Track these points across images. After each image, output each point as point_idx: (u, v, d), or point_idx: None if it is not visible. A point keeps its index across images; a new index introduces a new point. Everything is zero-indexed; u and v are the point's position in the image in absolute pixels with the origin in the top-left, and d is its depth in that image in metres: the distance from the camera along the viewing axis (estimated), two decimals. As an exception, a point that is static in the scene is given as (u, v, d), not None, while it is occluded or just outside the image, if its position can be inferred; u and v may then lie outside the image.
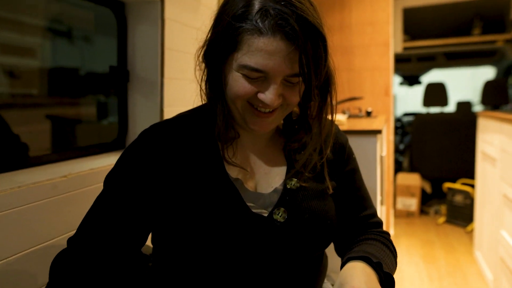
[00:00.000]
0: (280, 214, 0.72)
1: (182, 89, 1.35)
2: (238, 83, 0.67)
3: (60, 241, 0.89)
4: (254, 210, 0.71)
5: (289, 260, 0.72)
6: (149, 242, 0.78)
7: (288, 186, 0.75)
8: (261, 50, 0.63)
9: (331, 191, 0.78)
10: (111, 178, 0.72)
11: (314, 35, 0.64)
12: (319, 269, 0.80)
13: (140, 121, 1.29)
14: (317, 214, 0.75)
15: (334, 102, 0.75)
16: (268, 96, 0.66)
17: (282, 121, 0.82)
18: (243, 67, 0.65)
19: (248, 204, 0.72)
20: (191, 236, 0.68)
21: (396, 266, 0.80)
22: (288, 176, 0.77)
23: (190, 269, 0.71)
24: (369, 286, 0.64)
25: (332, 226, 0.77)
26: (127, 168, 0.71)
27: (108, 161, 1.10)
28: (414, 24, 3.91)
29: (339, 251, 0.87)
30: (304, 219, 0.73)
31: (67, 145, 1.93)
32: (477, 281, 2.40)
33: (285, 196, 0.74)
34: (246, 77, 0.66)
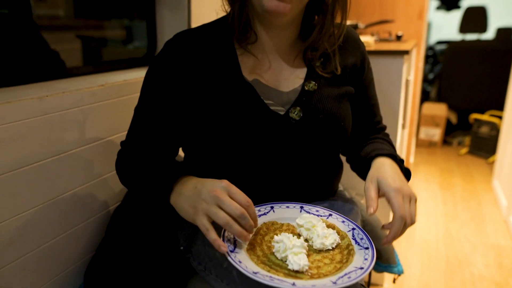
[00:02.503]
0: (296, 113, 0.78)
1: (209, 4, 1.35)
2: None
3: (105, 143, 0.99)
4: (272, 108, 0.77)
5: (304, 157, 0.79)
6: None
7: (306, 88, 0.80)
8: None
9: (339, 71, 0.82)
10: (144, 87, 0.81)
11: None
12: (334, 171, 0.88)
13: (168, 36, 1.31)
14: (331, 115, 0.80)
15: None
16: None
17: (301, 26, 0.84)
18: None
19: (267, 101, 0.77)
20: (214, 132, 0.76)
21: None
22: (307, 78, 0.81)
23: (215, 167, 0.79)
24: (400, 183, 0.73)
25: (345, 128, 0.83)
26: (155, 77, 0.79)
27: (139, 74, 1.16)
28: None
29: (347, 150, 0.96)
30: (319, 119, 0.79)
31: (97, 61, 1.99)
32: (490, 206, 2.48)
33: (302, 96, 0.79)
34: None
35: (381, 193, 0.74)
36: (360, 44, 0.89)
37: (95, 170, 0.99)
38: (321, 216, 0.75)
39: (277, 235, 0.68)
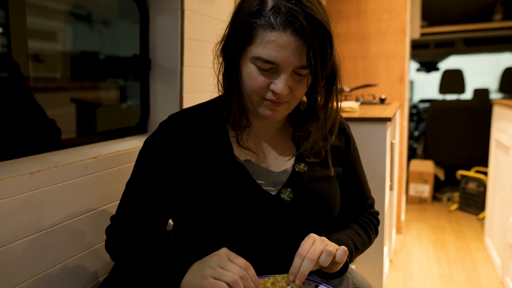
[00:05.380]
0: (287, 194, 0.80)
1: (201, 77, 1.42)
2: (252, 76, 0.74)
3: (95, 214, 0.99)
4: (264, 188, 0.79)
5: (295, 235, 0.79)
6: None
7: (297, 169, 0.83)
8: (272, 43, 0.70)
9: (332, 173, 0.86)
10: (137, 165, 0.84)
11: (321, 31, 0.70)
12: None
13: (161, 106, 1.37)
14: (321, 196, 0.82)
15: (339, 94, 0.81)
16: (279, 85, 0.72)
17: (291, 111, 0.88)
18: (257, 59, 0.72)
19: (259, 181, 0.80)
20: (206, 212, 0.77)
21: (367, 244, 0.92)
22: (297, 160, 0.84)
23: (205, 243, 0.79)
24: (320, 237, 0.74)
25: (334, 207, 0.85)
26: (149, 156, 0.82)
27: (132, 144, 1.19)
28: (432, 9, 3.85)
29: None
30: (309, 200, 0.81)
31: (91, 128, 2.03)
32: (485, 266, 2.45)
33: (293, 177, 0.82)
34: (259, 69, 0.73)
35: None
36: (345, 127, 0.94)
37: (86, 240, 0.98)
38: None
39: None
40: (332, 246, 0.72)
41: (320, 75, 0.73)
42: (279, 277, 0.72)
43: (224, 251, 0.69)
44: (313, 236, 0.74)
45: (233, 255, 0.69)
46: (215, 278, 0.65)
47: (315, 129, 0.82)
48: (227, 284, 0.64)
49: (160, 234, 0.85)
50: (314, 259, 0.70)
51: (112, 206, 1.04)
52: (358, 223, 0.92)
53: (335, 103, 0.81)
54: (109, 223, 0.86)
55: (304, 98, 0.87)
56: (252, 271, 0.68)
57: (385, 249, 1.78)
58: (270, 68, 0.73)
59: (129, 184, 0.84)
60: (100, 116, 2.03)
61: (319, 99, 0.82)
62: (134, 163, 0.85)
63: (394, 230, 2.55)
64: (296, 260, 0.71)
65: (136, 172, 0.83)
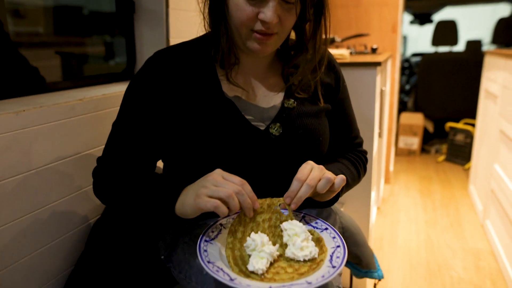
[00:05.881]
0: (276, 129, 0.80)
1: (187, 20, 1.38)
2: (239, 7, 0.72)
3: (83, 156, 1.00)
4: (252, 123, 0.79)
5: (284, 170, 0.81)
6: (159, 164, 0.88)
7: (285, 105, 0.83)
8: None
9: (322, 104, 0.86)
10: (123, 103, 0.81)
11: None
12: None
13: (147, 52, 1.34)
14: (310, 131, 0.83)
15: (327, 24, 0.79)
16: (268, 13, 0.71)
17: (279, 47, 0.87)
18: None
19: (247, 117, 0.80)
20: (195, 148, 0.77)
21: (357, 180, 0.93)
22: (286, 96, 0.84)
23: (196, 179, 0.81)
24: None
25: (323, 142, 0.86)
26: (136, 94, 0.80)
27: (118, 88, 1.17)
28: (428, -44, 3.71)
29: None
30: (298, 134, 0.81)
31: (76, 77, 1.98)
32: (468, 211, 2.55)
33: (282, 113, 0.82)
34: None
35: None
36: (335, 65, 0.93)
37: (75, 183, 0.99)
38: (317, 228, 0.75)
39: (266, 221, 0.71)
40: (330, 174, 0.72)
41: (310, 1, 0.71)
42: (275, 200, 0.73)
43: (218, 171, 0.69)
44: (311, 163, 0.74)
45: (227, 174, 0.68)
46: (209, 196, 0.64)
47: (304, 61, 0.82)
48: (222, 199, 0.64)
49: (149, 173, 0.85)
50: (313, 186, 0.70)
51: (100, 150, 1.04)
52: (348, 158, 0.93)
53: (323, 35, 0.80)
54: (93, 172, 0.84)
55: (293, 34, 0.85)
56: (248, 187, 0.67)
57: (373, 194, 1.83)
58: None
59: (116, 124, 0.82)
60: (87, 71, 1.98)
61: (307, 30, 0.80)
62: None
63: (382, 180, 2.61)
64: (294, 184, 0.71)
65: (123, 110, 0.81)
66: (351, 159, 0.94)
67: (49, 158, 0.91)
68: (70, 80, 1.15)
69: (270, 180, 0.81)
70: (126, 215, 0.92)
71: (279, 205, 0.73)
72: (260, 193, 0.80)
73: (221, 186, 0.65)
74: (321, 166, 0.74)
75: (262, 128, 0.80)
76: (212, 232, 0.71)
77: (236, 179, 0.67)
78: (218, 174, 0.68)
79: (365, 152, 1.00)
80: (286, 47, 0.87)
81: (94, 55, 1.61)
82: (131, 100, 0.81)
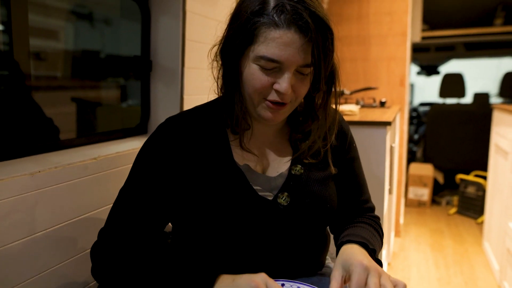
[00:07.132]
0: (284, 198, 0.80)
1: (201, 78, 1.42)
2: (254, 76, 0.73)
3: (93, 215, 0.99)
4: (260, 193, 0.79)
5: (292, 238, 0.80)
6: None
7: (293, 172, 0.83)
8: (276, 41, 0.69)
9: (333, 172, 0.85)
10: (133, 170, 0.80)
11: (324, 29, 0.71)
12: (321, 246, 0.88)
13: (162, 107, 1.37)
14: (318, 199, 0.82)
15: (338, 92, 0.81)
16: (283, 84, 0.72)
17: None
18: (260, 58, 0.71)
19: (255, 187, 0.79)
20: (203, 217, 0.76)
21: (381, 247, 0.89)
22: (293, 162, 0.84)
23: (203, 246, 0.79)
24: (370, 262, 0.70)
25: (331, 209, 0.84)
26: (146, 160, 0.79)
27: (132, 145, 1.19)
28: (433, 13, 3.86)
29: (334, 230, 0.94)
30: (306, 203, 0.80)
31: (91, 127, 2.03)
32: (483, 270, 2.44)
33: (289, 181, 0.82)
34: (262, 68, 0.72)
35: (348, 275, 0.69)
36: (343, 125, 0.91)
37: (79, 245, 0.98)
38: None
39: None
40: (387, 282, 0.67)
41: (323, 73, 0.73)
42: None
43: (263, 276, 0.65)
44: (364, 265, 0.67)
45: (271, 282, 0.64)
46: None
47: (314, 128, 0.82)
48: None
49: (159, 239, 0.83)
50: None
51: (108, 208, 1.04)
52: (367, 223, 0.89)
53: (334, 102, 0.81)
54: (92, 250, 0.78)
55: (301, 100, 0.87)
56: None
57: (384, 252, 1.78)
58: (273, 67, 0.72)
59: (124, 190, 0.79)
60: (100, 115, 2.02)
61: (317, 99, 0.81)
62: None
63: (392, 234, 2.55)
64: None
65: (133, 177, 0.79)
66: (370, 223, 0.89)
67: (56, 220, 0.90)
68: (85, 137, 1.16)
69: (279, 249, 0.79)
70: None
71: None
72: (269, 264, 0.79)
73: None
74: (377, 267, 0.68)
75: (270, 198, 0.79)
76: None
77: None
78: (262, 280, 0.64)
79: (378, 218, 0.95)
80: (295, 113, 0.88)
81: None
82: (141, 167, 0.79)
